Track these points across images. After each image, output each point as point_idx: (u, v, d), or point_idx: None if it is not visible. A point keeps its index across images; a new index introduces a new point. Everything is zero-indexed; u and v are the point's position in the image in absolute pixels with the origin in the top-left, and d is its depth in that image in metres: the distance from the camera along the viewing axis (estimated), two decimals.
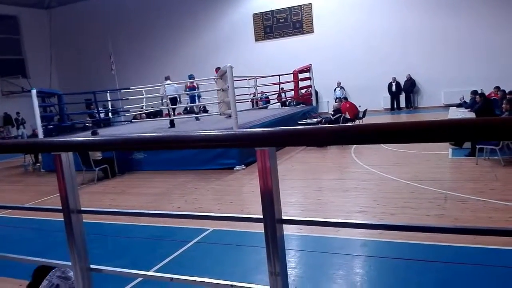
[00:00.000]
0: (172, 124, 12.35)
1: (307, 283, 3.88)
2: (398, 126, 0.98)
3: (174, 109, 13.12)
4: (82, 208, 1.59)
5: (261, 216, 1.24)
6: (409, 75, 17.90)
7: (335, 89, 19.05)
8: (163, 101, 12.84)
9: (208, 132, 1.20)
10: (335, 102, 14.82)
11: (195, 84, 13.79)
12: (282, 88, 17.47)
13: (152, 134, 1.28)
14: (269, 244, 1.23)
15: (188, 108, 17.74)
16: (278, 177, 1.24)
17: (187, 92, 13.79)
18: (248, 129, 1.19)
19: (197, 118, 13.86)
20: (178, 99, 12.99)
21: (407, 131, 0.98)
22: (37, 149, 1.88)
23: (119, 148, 1.30)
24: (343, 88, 19.03)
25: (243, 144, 1.19)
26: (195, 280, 1.48)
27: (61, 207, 1.60)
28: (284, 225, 1.26)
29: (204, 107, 16.90)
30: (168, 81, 12.59)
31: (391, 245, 4.43)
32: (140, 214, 1.68)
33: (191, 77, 13.76)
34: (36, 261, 1.94)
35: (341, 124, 1.07)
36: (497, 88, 13.04)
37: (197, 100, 14.43)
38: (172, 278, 1.54)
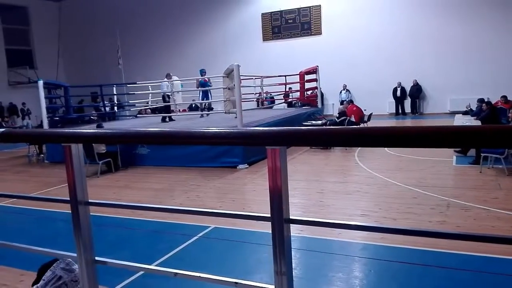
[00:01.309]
0: (163, 120, 12.70)
1: (307, 285, 3.88)
2: (404, 130, 0.99)
3: (165, 106, 13.09)
4: (90, 200, 1.60)
5: (269, 215, 1.24)
6: (416, 80, 17.87)
7: (340, 92, 19.05)
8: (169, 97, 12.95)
9: (219, 129, 1.21)
10: (341, 104, 14.81)
11: (206, 79, 13.38)
12: (291, 88, 17.45)
13: (166, 129, 1.29)
14: (276, 243, 1.23)
15: (193, 105, 17.78)
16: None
17: (199, 88, 13.50)
18: (259, 128, 1.20)
19: (202, 116, 13.81)
20: (168, 98, 12.99)
21: (412, 135, 0.99)
22: (47, 139, 1.90)
23: (130, 141, 1.31)
24: (349, 91, 19.01)
25: (254, 143, 1.20)
26: (199, 276, 1.49)
27: (68, 198, 1.61)
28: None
29: (209, 104, 16.90)
30: (165, 79, 12.76)
31: (392, 249, 4.43)
32: (147, 208, 1.69)
33: (202, 71, 13.50)
34: (40, 251, 1.95)
35: (352, 127, 1.07)
36: (504, 97, 13.00)
37: (209, 96, 14.05)
38: (176, 273, 1.54)
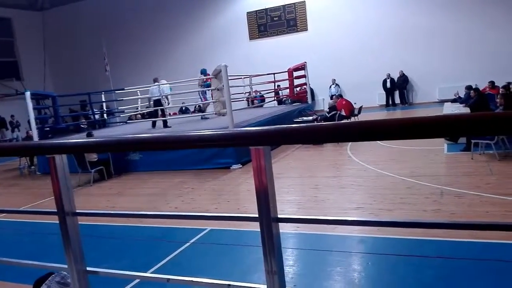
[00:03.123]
0: (154, 125, 12.56)
1: (306, 281, 3.88)
2: (394, 122, 0.98)
3: (158, 111, 13.00)
4: (77, 210, 1.58)
5: (257, 215, 1.23)
6: (402, 71, 17.95)
7: (330, 86, 19.09)
8: (150, 102, 12.81)
9: (203, 132, 1.20)
10: (331, 99, 14.85)
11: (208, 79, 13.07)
12: (279, 86, 17.47)
13: (147, 135, 1.27)
14: (265, 242, 1.22)
15: (183, 108, 17.73)
16: (274, 175, 1.23)
17: (204, 89, 13.25)
18: (242, 128, 1.19)
19: (202, 117, 13.68)
20: (166, 100, 12.88)
21: (402, 127, 0.98)
22: (31, 151, 1.87)
23: (114, 149, 1.29)
24: (338, 85, 19.06)
25: (238, 144, 1.19)
26: (191, 281, 1.47)
27: (56, 210, 1.59)
28: (280, 223, 1.26)
29: (200, 106, 16.87)
30: (156, 83, 12.63)
31: (389, 241, 4.45)
32: (135, 215, 1.67)
33: (203, 71, 13.12)
34: (32, 264, 1.93)
35: (336, 122, 1.07)
36: (492, 82, 13.10)
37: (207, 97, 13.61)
38: (169, 279, 1.53)
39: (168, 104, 12.87)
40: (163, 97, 12.29)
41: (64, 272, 2.11)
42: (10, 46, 24.65)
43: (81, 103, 20.28)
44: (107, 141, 1.41)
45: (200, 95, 13.47)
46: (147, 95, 13.20)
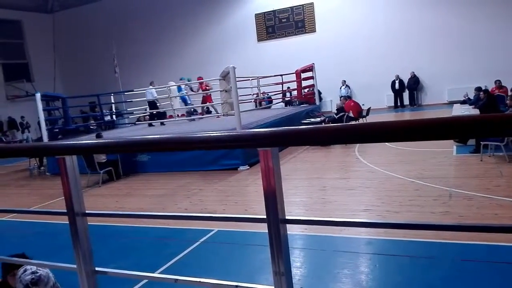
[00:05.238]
0: (150, 126, 13.50)
1: (313, 283, 3.87)
2: (402, 124, 0.98)
3: (153, 113, 13.63)
4: (86, 211, 1.60)
5: (265, 216, 1.24)
6: (413, 72, 17.85)
7: (340, 88, 19.02)
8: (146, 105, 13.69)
9: (210, 133, 1.20)
10: (340, 100, 14.84)
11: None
12: (289, 87, 17.48)
13: (155, 136, 1.28)
14: (272, 244, 1.23)
15: (192, 110, 17.84)
16: (282, 176, 1.24)
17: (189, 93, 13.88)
18: (250, 130, 1.19)
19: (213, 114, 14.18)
20: (158, 102, 13.55)
21: (410, 129, 0.98)
22: (41, 153, 1.89)
23: (122, 150, 1.31)
24: (349, 86, 19.00)
25: (245, 145, 1.19)
26: (199, 281, 1.48)
27: (66, 210, 1.60)
28: (288, 225, 1.26)
29: (208, 108, 16.91)
30: (150, 86, 13.01)
31: (396, 243, 4.43)
32: (144, 216, 1.69)
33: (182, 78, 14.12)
34: (40, 264, 1.95)
35: (344, 123, 1.07)
36: (498, 81, 13.00)
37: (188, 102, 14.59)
38: (177, 279, 1.54)
39: (173, 106, 13.24)
40: (157, 99, 12.82)
41: (29, 267, 2.09)
42: (21, 48, 24.91)
43: (91, 104, 20.41)
44: (116, 142, 1.42)
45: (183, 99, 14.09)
46: (144, 98, 13.80)
